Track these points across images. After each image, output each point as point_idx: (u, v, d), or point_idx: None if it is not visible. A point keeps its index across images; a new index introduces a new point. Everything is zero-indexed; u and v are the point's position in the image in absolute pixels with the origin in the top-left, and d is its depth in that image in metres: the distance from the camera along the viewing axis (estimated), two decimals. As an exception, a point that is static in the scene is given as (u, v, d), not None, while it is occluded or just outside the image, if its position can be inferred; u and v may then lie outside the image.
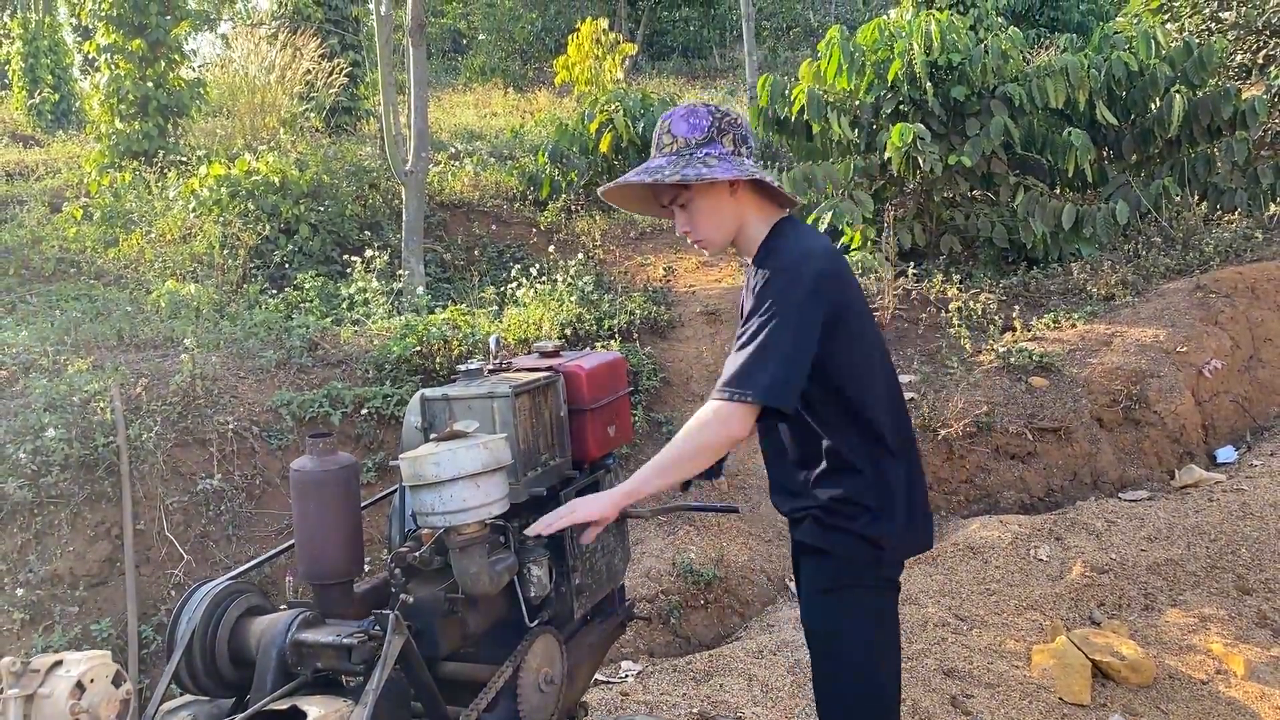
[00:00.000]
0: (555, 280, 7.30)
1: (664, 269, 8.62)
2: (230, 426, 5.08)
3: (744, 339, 2.17)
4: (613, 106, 10.41)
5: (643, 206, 2.49)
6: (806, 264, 2.20)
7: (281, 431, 5.23)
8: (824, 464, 2.28)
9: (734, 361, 2.16)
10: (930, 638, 4.19)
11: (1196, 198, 8.45)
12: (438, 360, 5.82)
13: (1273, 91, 9.98)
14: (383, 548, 3.58)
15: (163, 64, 11.24)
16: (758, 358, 2.12)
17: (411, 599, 2.15)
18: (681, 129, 2.29)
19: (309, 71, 13.02)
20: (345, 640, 1.97)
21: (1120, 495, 5.82)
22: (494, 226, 9.94)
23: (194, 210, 8.68)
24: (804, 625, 2.40)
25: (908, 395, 6.39)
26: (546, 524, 2.22)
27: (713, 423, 2.15)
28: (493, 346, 2.74)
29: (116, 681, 1.59)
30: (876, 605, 2.34)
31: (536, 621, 2.42)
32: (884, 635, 2.34)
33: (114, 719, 1.59)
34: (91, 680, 1.53)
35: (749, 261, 2.36)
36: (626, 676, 4.14)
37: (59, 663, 1.52)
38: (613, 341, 6.53)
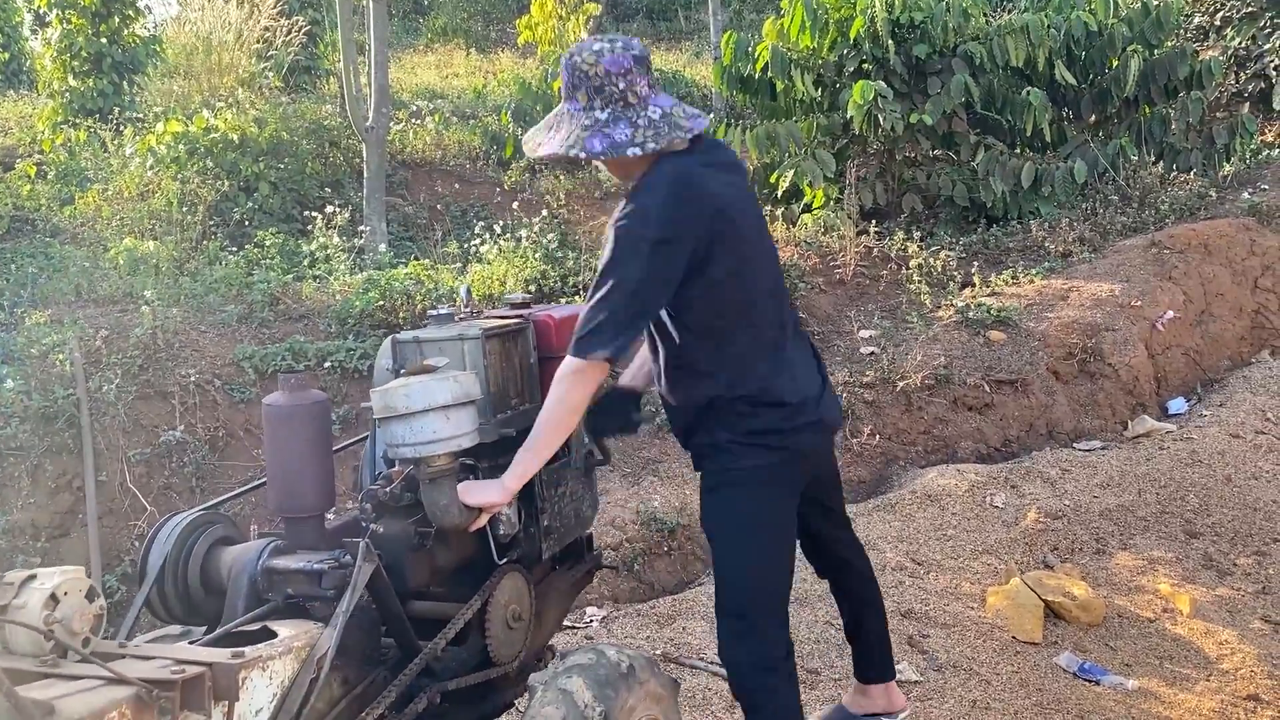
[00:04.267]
0: (519, 238, 7.29)
1: (628, 227, 8.62)
2: (192, 379, 5.06)
3: (594, 296, 2.21)
4: (576, 65, 10.34)
5: None
6: (652, 217, 2.19)
7: (244, 385, 5.22)
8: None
9: (585, 317, 2.21)
10: (888, 581, 4.28)
11: (1153, 157, 8.58)
12: (401, 315, 5.82)
13: (1228, 53, 10.14)
14: (352, 498, 3.61)
15: (116, 19, 10.99)
16: (609, 316, 2.17)
17: (382, 530, 2.19)
18: (563, 75, 2.30)
19: (267, 29, 12.80)
20: (316, 566, 2.01)
21: (1075, 445, 5.96)
22: (457, 185, 9.88)
23: (151, 167, 8.55)
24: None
25: (868, 350, 6.49)
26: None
27: (576, 381, 2.23)
28: (464, 295, 2.77)
29: (90, 596, 1.61)
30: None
31: (505, 560, 2.46)
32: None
33: (87, 631, 1.61)
34: (65, 593, 1.55)
35: None
36: (591, 622, 4.20)
37: (32, 576, 1.54)
38: (577, 298, 6.55)
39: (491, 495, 2.22)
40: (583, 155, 2.24)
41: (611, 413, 2.73)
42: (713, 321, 2.35)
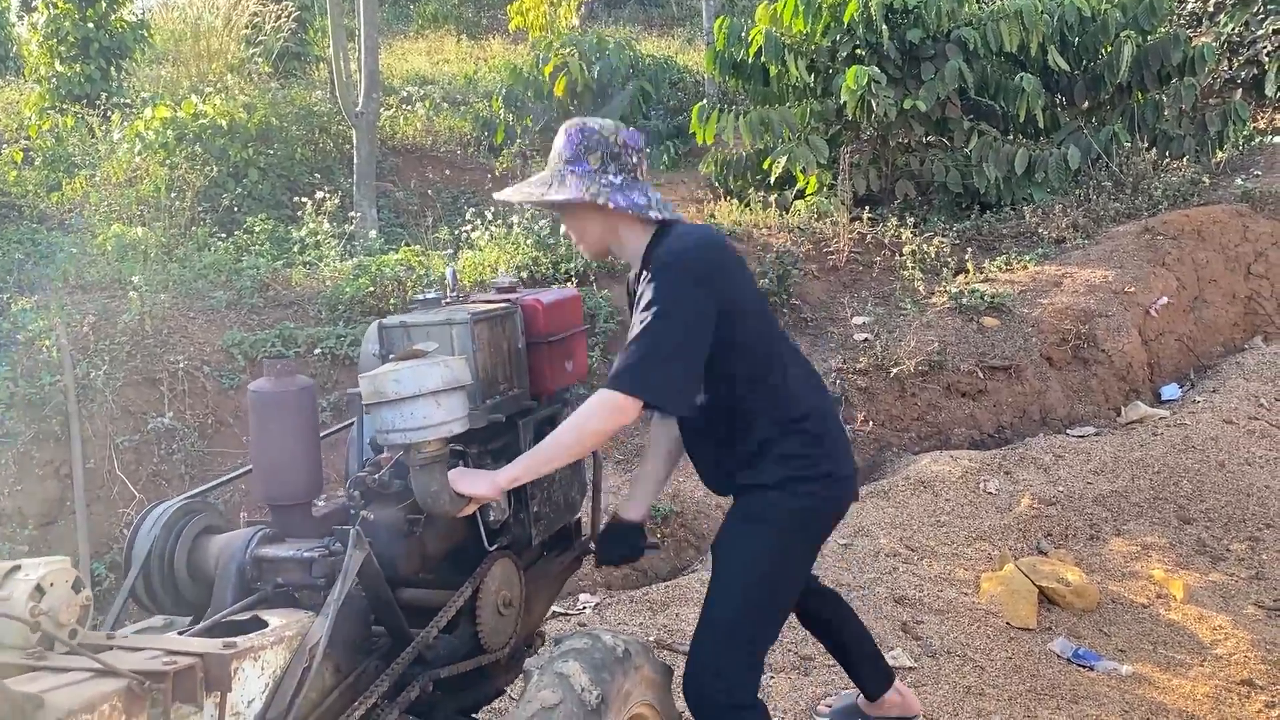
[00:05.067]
0: (511, 224, 7.25)
1: (620, 214, 8.58)
2: (181, 366, 5.02)
3: (636, 333, 2.21)
4: (567, 50, 10.29)
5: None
6: (691, 257, 2.26)
7: (233, 371, 5.18)
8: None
9: (627, 355, 2.20)
10: (882, 567, 4.28)
11: (1146, 143, 8.56)
12: (391, 301, 5.78)
13: (1221, 39, 10.12)
14: (341, 484, 3.58)
15: (104, 4, 10.88)
16: (650, 354, 2.18)
17: (372, 517, 2.16)
18: (561, 142, 2.38)
19: (256, 15, 12.70)
20: (306, 554, 1.98)
21: (1068, 431, 5.95)
22: (448, 171, 9.82)
23: (139, 153, 8.47)
24: None
25: (861, 336, 6.46)
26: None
27: (602, 413, 2.19)
28: (450, 279, 2.73)
29: (76, 587, 1.58)
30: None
31: (495, 546, 2.44)
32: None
33: (74, 622, 1.58)
34: (51, 584, 1.52)
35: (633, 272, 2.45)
36: (584, 608, 4.19)
37: (17, 567, 1.51)
38: (569, 284, 6.52)
39: (481, 487, 2.19)
40: (610, 205, 2.30)
41: (617, 542, 2.73)
42: (754, 363, 2.38)
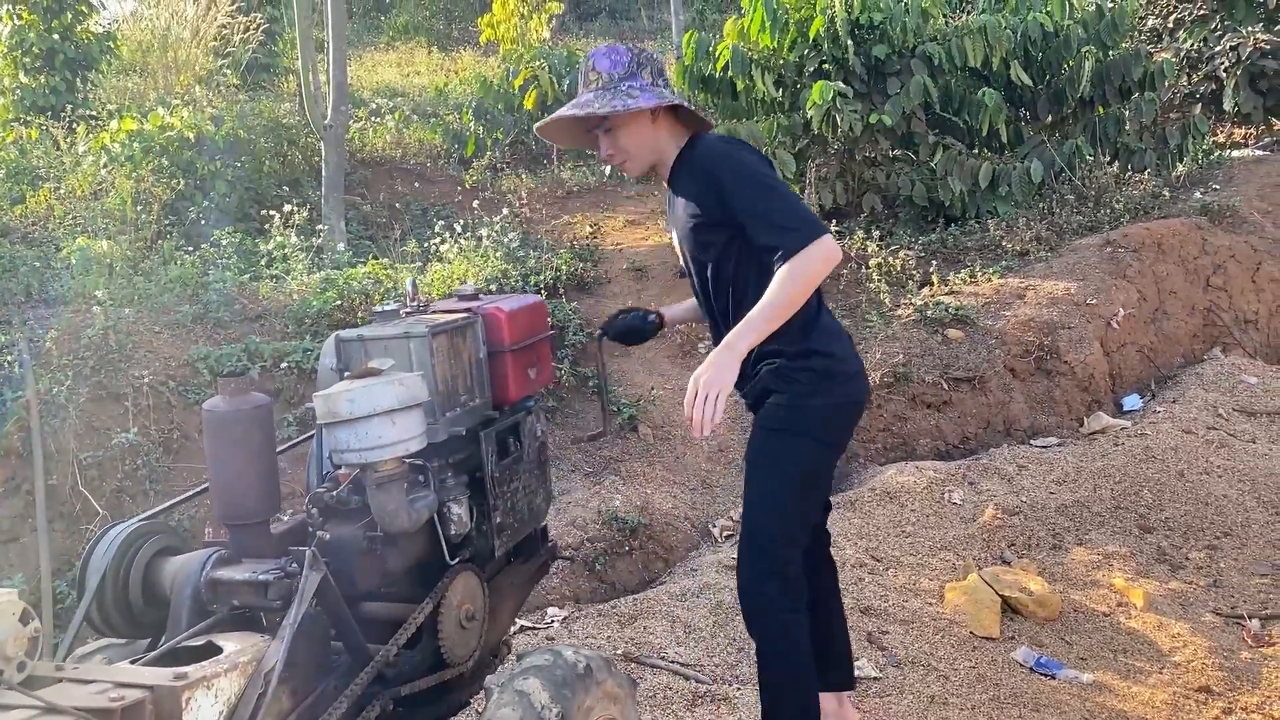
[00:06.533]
0: (480, 237, 7.25)
1: (590, 227, 8.60)
2: (146, 381, 4.98)
3: (756, 205, 2.48)
4: (537, 63, 10.31)
5: (574, 139, 2.82)
6: (740, 144, 2.62)
7: (199, 386, 5.14)
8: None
9: (779, 216, 2.46)
10: (848, 578, 4.30)
11: (1108, 157, 8.68)
12: (359, 315, 5.76)
13: (1181, 55, 10.29)
14: (302, 498, 3.56)
15: (69, 15, 10.80)
16: (795, 201, 2.49)
17: (329, 536, 2.15)
18: (605, 65, 2.56)
19: (224, 26, 12.64)
20: (261, 576, 1.97)
21: (1031, 442, 6.01)
22: (417, 184, 9.80)
23: (105, 166, 8.39)
24: None
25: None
26: (695, 423, 2.39)
27: (820, 257, 2.42)
28: (410, 289, 2.72)
29: (24, 619, 1.56)
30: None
31: (457, 560, 2.44)
32: None
33: (22, 655, 1.56)
34: (-4, 617, 1.51)
35: (666, 181, 2.72)
36: (552, 622, 4.19)
37: (-39, 600, 1.49)
38: (540, 296, 6.51)
39: (727, 375, 2.36)
40: (684, 103, 2.61)
41: (633, 317, 3.06)
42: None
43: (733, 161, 2.53)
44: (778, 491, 2.65)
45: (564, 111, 2.58)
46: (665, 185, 2.75)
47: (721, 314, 2.73)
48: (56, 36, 10.60)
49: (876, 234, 7.72)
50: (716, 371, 2.36)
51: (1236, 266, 7.43)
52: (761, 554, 2.65)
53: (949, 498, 5.14)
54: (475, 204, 8.54)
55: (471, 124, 10.36)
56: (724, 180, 2.50)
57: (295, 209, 7.63)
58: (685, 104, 2.62)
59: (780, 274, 2.43)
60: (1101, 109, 8.67)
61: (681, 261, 2.87)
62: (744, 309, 2.50)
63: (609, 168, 9.91)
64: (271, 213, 7.62)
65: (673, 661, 3.70)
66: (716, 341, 2.71)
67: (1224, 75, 9.96)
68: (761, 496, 2.67)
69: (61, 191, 8.21)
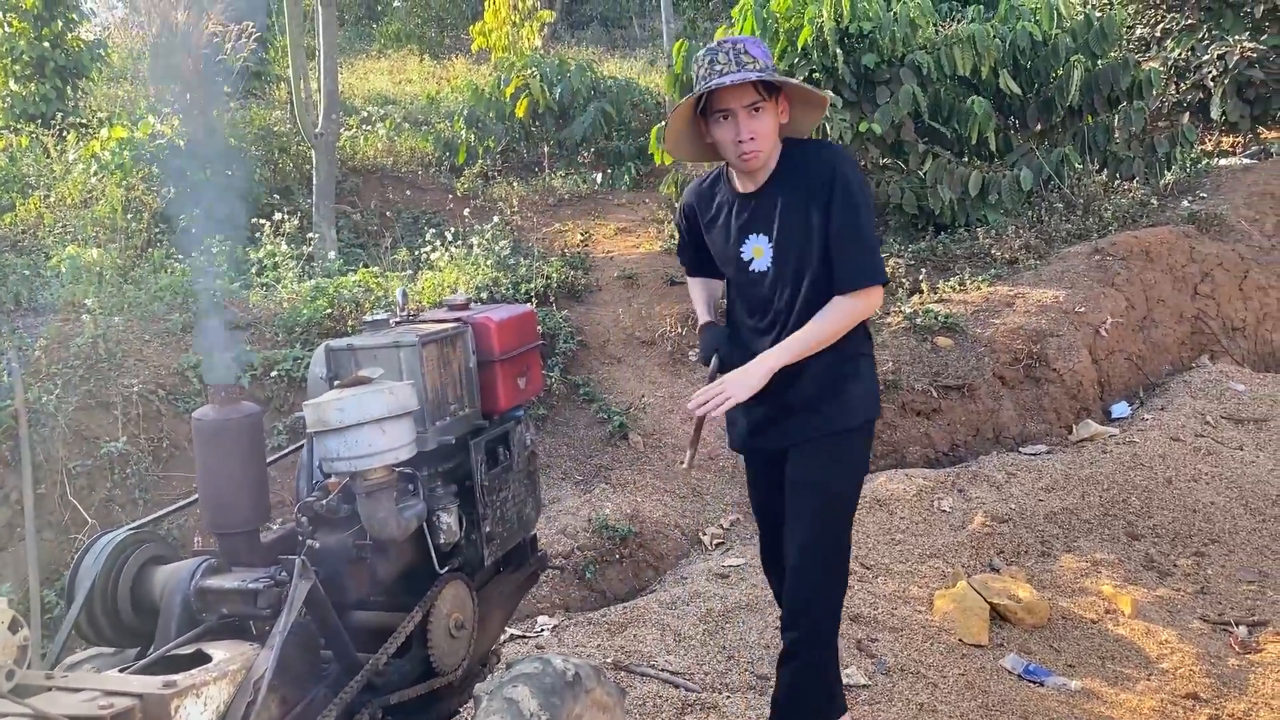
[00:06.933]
0: (471, 245, 7.25)
1: (581, 235, 8.62)
2: (135, 389, 4.97)
3: (858, 229, 2.59)
4: (529, 71, 10.33)
5: (691, 146, 2.84)
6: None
7: (189, 395, 5.13)
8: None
9: (860, 251, 2.58)
10: (838, 586, 4.31)
11: (1097, 166, 8.73)
12: (349, 323, 5.76)
13: (1169, 64, 10.36)
14: (292, 507, 3.56)
15: (60, 23, 10.78)
16: (874, 244, 2.61)
17: (319, 544, 2.16)
18: (758, 52, 2.65)
19: (215, 34, 12.61)
20: (251, 585, 1.98)
21: (1020, 449, 6.04)
22: (408, 192, 9.81)
23: (95, 174, 8.39)
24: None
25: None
26: (698, 404, 2.57)
27: (868, 303, 2.61)
28: (400, 299, 2.73)
29: (13, 627, 1.56)
30: None
31: (446, 568, 2.44)
32: None
33: (11, 663, 1.56)
34: (-16, 626, 1.51)
35: (753, 180, 2.75)
36: (543, 631, 4.19)
37: (-50, 609, 1.49)
38: (529, 305, 6.51)
39: (753, 383, 2.53)
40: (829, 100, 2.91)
41: (715, 337, 2.96)
42: None
43: (858, 173, 2.65)
44: (838, 519, 2.77)
45: (736, 78, 2.52)
46: (734, 188, 2.80)
47: (783, 325, 2.72)
48: (47, 44, 10.58)
49: (866, 242, 7.73)
50: (746, 379, 2.54)
51: (1224, 274, 7.48)
52: (829, 643, 2.79)
53: (938, 505, 5.16)
54: (466, 212, 8.55)
55: (463, 132, 10.37)
56: (850, 185, 2.59)
57: (286, 217, 7.62)
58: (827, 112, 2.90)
59: (836, 305, 2.58)
60: (1090, 118, 8.72)
61: (739, 266, 2.79)
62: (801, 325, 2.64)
63: (599, 175, 9.94)
64: (262, 221, 7.61)
65: (662, 670, 3.70)
66: (736, 344, 2.82)
67: (1211, 84, 10.03)
68: (836, 526, 2.75)
69: (51, 199, 8.19)
